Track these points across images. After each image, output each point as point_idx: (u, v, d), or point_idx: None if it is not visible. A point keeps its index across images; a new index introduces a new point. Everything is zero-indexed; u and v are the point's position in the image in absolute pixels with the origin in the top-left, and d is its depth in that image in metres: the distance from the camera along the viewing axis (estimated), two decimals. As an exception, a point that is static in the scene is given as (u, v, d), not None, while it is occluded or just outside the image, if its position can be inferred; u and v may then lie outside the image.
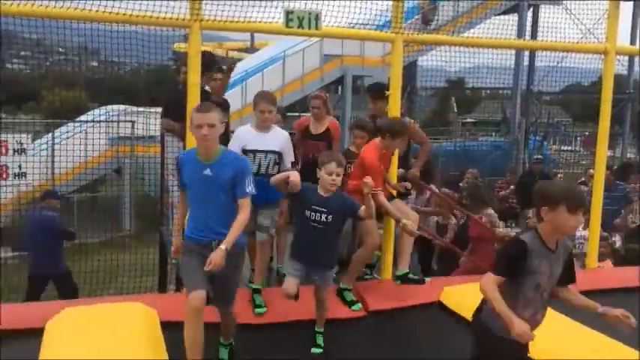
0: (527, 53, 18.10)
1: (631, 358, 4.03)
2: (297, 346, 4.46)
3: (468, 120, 34.61)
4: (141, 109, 16.04)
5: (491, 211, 7.21)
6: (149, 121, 13.72)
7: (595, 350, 4.15)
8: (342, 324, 4.82)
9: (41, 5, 4.61)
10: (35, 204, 9.34)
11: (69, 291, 7.51)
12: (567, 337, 4.37)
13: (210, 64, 6.11)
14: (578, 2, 16.43)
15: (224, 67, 6.43)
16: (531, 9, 18.59)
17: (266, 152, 4.96)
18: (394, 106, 5.67)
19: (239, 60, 20.04)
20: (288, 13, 5.07)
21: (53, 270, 7.54)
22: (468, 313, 4.83)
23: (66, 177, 14.21)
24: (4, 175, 12.74)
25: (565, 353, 4.12)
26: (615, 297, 5.43)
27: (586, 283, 5.87)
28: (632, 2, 17.10)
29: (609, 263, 7.12)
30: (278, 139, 5.04)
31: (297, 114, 16.50)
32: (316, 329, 4.57)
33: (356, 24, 6.38)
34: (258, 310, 4.90)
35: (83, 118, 17.38)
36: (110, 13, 4.73)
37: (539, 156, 13.33)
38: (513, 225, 10.55)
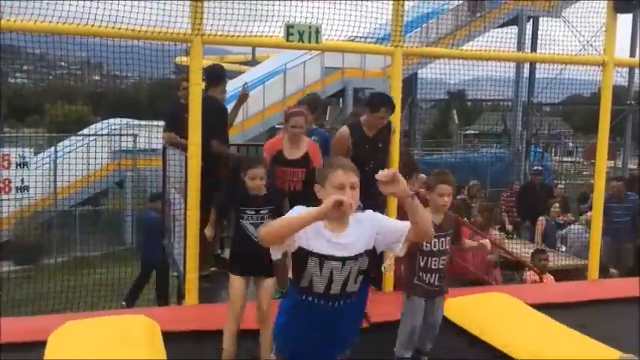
0: (527, 65, 18.17)
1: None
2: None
3: (469, 132, 34.66)
4: (143, 122, 16.12)
5: (422, 175, 7.20)
6: (151, 134, 13.78)
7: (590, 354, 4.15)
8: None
9: (44, 21, 4.66)
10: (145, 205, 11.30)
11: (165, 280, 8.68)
12: (567, 347, 4.37)
13: (221, 76, 6.15)
14: (577, 15, 16.50)
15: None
16: (531, 21, 18.70)
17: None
18: (394, 119, 5.70)
19: (240, 73, 20.14)
20: (288, 28, 5.12)
21: (156, 260, 8.64)
22: (471, 327, 4.86)
23: (68, 190, 14.25)
24: (7, 189, 12.79)
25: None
26: (617, 307, 5.47)
27: (588, 294, 5.90)
28: (631, 15, 17.18)
29: (549, 277, 7.18)
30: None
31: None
32: None
33: (356, 37, 6.43)
34: None
35: (85, 131, 17.47)
36: (113, 28, 4.78)
37: (539, 167, 13.36)
38: (514, 235, 10.57)
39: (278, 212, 4.16)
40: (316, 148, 5.25)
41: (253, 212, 4.24)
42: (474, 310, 5.03)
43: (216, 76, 6.03)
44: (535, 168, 13.02)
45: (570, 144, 25.04)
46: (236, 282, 4.20)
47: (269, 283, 4.29)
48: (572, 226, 9.85)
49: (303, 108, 5.58)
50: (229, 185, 5.47)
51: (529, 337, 4.50)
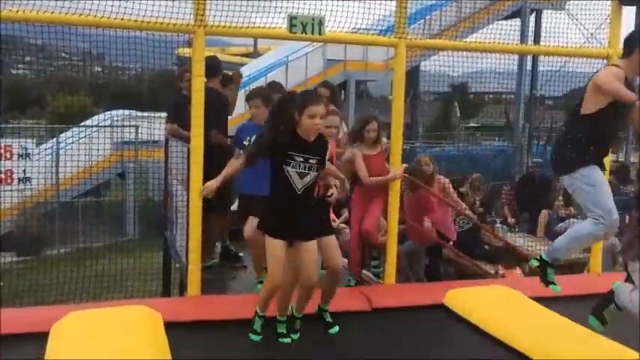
0: (530, 58, 18.12)
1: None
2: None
3: (471, 125, 34.59)
4: (145, 113, 16.12)
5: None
6: (153, 125, 13.78)
7: (596, 352, 4.15)
8: (344, 318, 4.77)
9: (46, 11, 4.64)
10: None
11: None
12: (568, 340, 4.38)
13: (217, 68, 6.15)
14: (580, 7, 16.44)
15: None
16: (534, 14, 18.62)
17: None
18: (397, 111, 5.69)
19: (242, 65, 20.09)
20: (291, 19, 5.09)
21: None
22: (471, 317, 4.87)
23: (70, 182, 14.26)
24: (9, 180, 12.81)
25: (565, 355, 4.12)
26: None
27: (588, 287, 5.89)
28: (634, 7, 17.10)
29: (518, 271, 7.22)
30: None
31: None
32: None
33: (359, 29, 6.41)
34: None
35: (87, 123, 17.47)
36: (115, 19, 4.76)
37: (539, 159, 13.34)
38: (517, 229, 10.57)
39: (322, 164, 3.81)
40: (333, 145, 4.78)
41: (302, 160, 3.71)
42: (476, 302, 5.04)
43: (212, 67, 6.02)
44: (534, 160, 12.99)
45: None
46: (277, 247, 3.75)
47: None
48: (574, 220, 9.84)
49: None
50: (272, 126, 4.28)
51: (531, 330, 4.52)
